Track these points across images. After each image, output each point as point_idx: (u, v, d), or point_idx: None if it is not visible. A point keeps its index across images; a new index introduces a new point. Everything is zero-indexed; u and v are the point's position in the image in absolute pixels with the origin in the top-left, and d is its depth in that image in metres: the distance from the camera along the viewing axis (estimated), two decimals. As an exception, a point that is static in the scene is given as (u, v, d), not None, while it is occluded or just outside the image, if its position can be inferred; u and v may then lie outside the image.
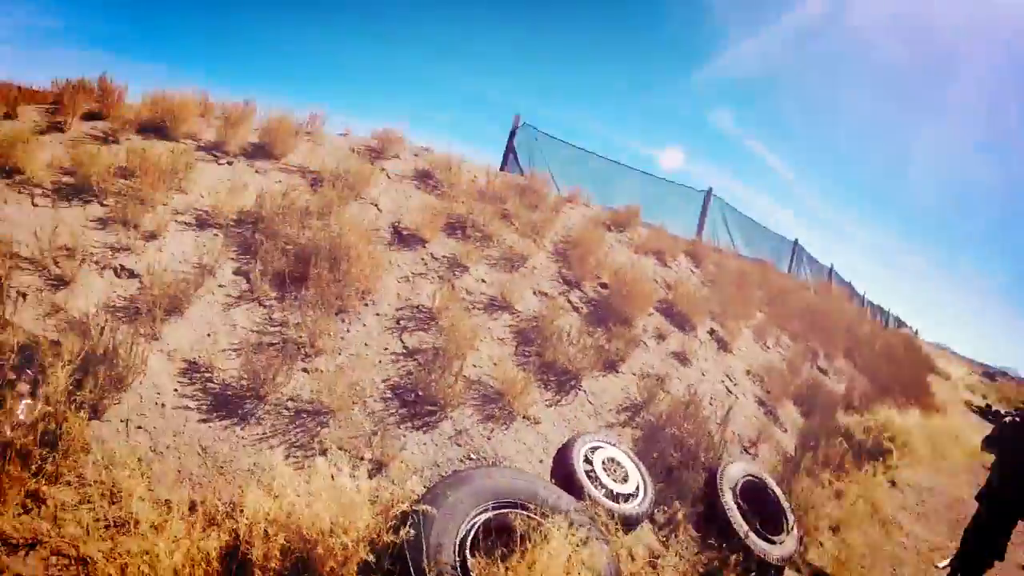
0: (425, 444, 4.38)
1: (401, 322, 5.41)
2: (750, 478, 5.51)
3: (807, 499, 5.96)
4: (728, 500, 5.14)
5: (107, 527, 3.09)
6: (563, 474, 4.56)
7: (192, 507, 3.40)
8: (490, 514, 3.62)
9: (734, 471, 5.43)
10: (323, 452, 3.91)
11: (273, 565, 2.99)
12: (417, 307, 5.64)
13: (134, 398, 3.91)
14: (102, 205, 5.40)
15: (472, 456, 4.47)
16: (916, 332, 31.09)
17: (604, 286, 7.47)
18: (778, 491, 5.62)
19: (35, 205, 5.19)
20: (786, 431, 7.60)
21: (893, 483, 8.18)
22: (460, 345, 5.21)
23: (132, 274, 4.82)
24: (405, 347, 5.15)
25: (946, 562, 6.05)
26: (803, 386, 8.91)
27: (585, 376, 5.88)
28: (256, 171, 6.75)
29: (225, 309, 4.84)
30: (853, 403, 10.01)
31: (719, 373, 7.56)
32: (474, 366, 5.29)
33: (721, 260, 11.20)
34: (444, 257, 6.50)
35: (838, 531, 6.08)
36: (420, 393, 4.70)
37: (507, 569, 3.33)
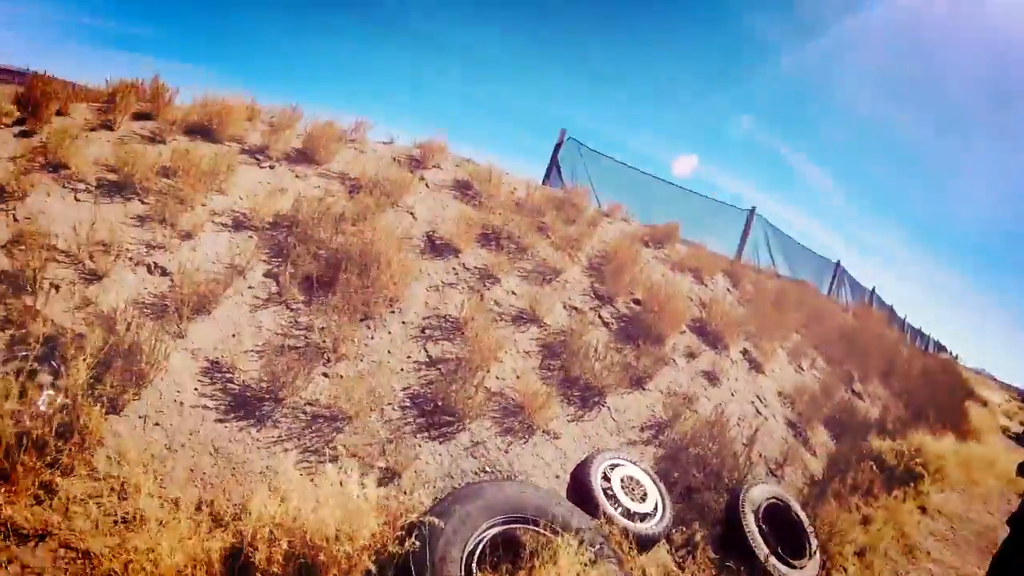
0: (440, 455, 4.35)
1: (426, 331, 5.40)
2: (774, 501, 5.36)
3: (833, 524, 5.78)
4: (749, 522, 5.01)
5: (115, 522, 3.12)
6: (579, 491, 4.49)
7: (200, 507, 3.43)
8: (500, 529, 3.58)
9: (757, 493, 5.29)
10: (335, 458, 3.92)
11: (275, 570, 2.98)
12: (444, 317, 5.62)
13: (154, 395, 3.96)
14: (142, 203, 5.51)
15: (487, 469, 4.42)
16: (956, 357, 30.16)
17: (637, 302, 7.37)
18: (802, 515, 5.46)
19: (77, 200, 5.33)
20: (815, 454, 7.39)
21: (923, 509, 7.89)
22: (484, 356, 5.17)
23: (164, 272, 4.91)
24: (428, 356, 5.14)
25: None
26: (836, 409, 8.67)
27: (610, 392, 5.79)
28: (297, 176, 6.84)
29: (252, 310, 4.89)
30: (887, 428, 9.68)
31: (749, 394, 7.38)
32: (497, 378, 5.24)
33: (759, 280, 10.95)
34: (476, 268, 6.47)
35: (863, 557, 5.87)
36: (439, 403, 4.67)
37: (513, 586, 3.29)
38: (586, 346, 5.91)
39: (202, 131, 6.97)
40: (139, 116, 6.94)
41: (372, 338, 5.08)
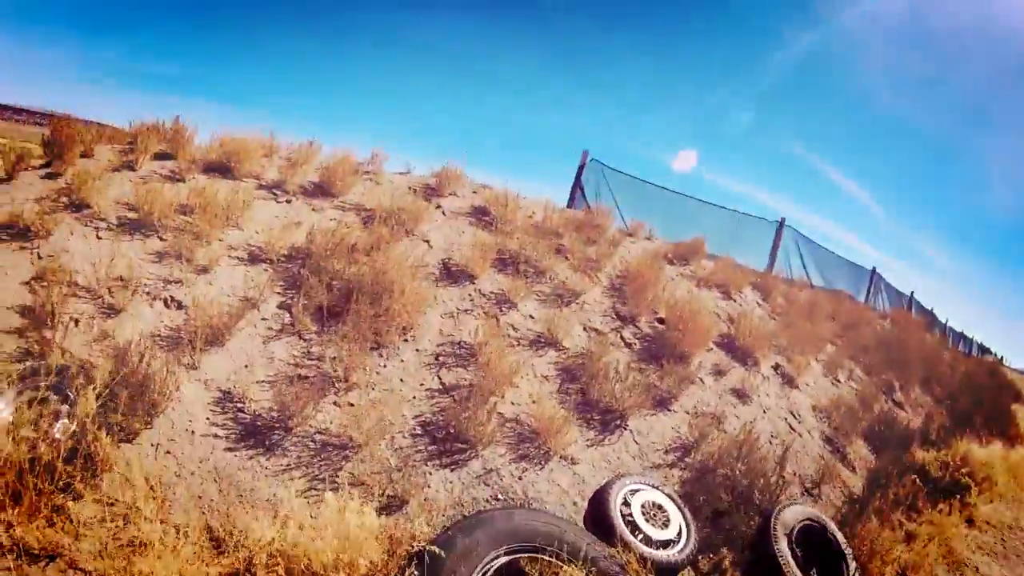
0: (451, 483, 4.28)
1: (440, 358, 5.36)
2: (808, 522, 5.16)
3: (873, 543, 5.57)
4: (782, 547, 4.82)
5: (122, 546, 3.15)
6: (596, 518, 4.36)
7: (205, 533, 3.44)
8: (507, 559, 3.46)
9: (790, 515, 5.10)
10: (339, 487, 3.88)
11: (273, 597, 2.96)
12: (459, 343, 5.58)
13: (166, 424, 4.01)
14: (161, 240, 5.62)
15: (500, 496, 4.33)
16: (1001, 359, 29.16)
17: (661, 321, 7.25)
18: (839, 535, 5.25)
19: (99, 238, 5.46)
20: (854, 470, 7.14)
21: (971, 522, 7.57)
22: (498, 382, 5.11)
23: (180, 305, 4.99)
24: (442, 383, 5.10)
25: None
26: (875, 421, 8.38)
27: (632, 415, 5.67)
28: (313, 209, 6.92)
29: (265, 342, 4.93)
30: (930, 437, 9.31)
31: (782, 410, 7.18)
32: (512, 403, 5.17)
33: (790, 292, 10.72)
34: (492, 293, 6.44)
35: None
36: (451, 430, 4.61)
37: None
38: (606, 368, 5.80)
39: (221, 169, 7.12)
40: (160, 156, 7.14)
41: (384, 366, 5.06)
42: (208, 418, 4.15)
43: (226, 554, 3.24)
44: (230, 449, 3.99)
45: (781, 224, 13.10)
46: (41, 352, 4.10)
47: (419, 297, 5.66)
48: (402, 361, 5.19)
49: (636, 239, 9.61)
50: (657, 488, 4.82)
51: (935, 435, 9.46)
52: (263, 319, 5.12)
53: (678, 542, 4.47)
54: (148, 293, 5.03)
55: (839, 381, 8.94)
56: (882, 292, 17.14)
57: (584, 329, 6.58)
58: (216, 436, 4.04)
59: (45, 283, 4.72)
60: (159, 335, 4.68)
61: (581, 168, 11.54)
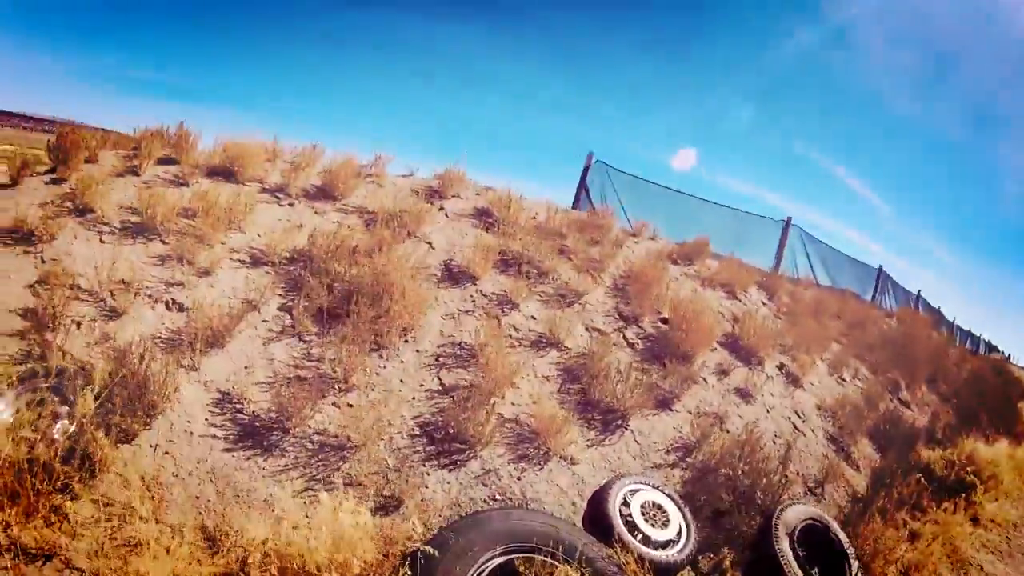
0: (449, 483, 4.28)
1: (440, 359, 5.37)
2: (811, 522, 5.13)
3: (876, 542, 5.54)
4: (784, 546, 4.79)
5: (118, 546, 3.17)
6: (595, 518, 4.34)
7: (201, 533, 3.46)
8: (503, 559, 3.44)
9: (792, 514, 5.07)
10: (333, 487, 3.89)
11: (266, 597, 2.97)
12: (459, 344, 5.59)
13: (165, 425, 4.04)
14: (163, 243, 5.67)
15: (498, 497, 4.32)
16: (1009, 357, 29.07)
17: (664, 321, 7.22)
18: (842, 535, 5.20)
19: (102, 242, 5.51)
20: (858, 469, 7.09)
21: (976, 520, 7.52)
22: (498, 382, 5.11)
23: (181, 308, 5.02)
24: (442, 384, 5.10)
25: None
26: (881, 420, 8.33)
27: (634, 415, 5.64)
28: (315, 212, 6.95)
29: (265, 343, 4.95)
30: (936, 436, 9.27)
31: (786, 409, 7.14)
32: (512, 404, 5.17)
33: (796, 291, 10.66)
34: (494, 294, 6.44)
35: None
36: (450, 431, 4.60)
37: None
38: (608, 368, 5.79)
39: (224, 173, 7.18)
40: (164, 161, 7.20)
41: (384, 367, 5.07)
42: (207, 419, 4.17)
43: (221, 554, 3.26)
44: (228, 450, 4.01)
45: (787, 223, 13.04)
46: (42, 354, 4.13)
47: (420, 298, 5.67)
48: (402, 362, 5.20)
49: (640, 239, 9.58)
50: (657, 488, 4.80)
51: (941, 434, 9.40)
52: (263, 321, 5.15)
53: (678, 542, 4.45)
54: (150, 296, 5.07)
55: (844, 380, 8.89)
56: (889, 291, 17.06)
57: (586, 329, 6.57)
58: (214, 437, 4.06)
59: (48, 286, 4.77)
60: (160, 337, 4.71)
61: (586, 170, 11.56)
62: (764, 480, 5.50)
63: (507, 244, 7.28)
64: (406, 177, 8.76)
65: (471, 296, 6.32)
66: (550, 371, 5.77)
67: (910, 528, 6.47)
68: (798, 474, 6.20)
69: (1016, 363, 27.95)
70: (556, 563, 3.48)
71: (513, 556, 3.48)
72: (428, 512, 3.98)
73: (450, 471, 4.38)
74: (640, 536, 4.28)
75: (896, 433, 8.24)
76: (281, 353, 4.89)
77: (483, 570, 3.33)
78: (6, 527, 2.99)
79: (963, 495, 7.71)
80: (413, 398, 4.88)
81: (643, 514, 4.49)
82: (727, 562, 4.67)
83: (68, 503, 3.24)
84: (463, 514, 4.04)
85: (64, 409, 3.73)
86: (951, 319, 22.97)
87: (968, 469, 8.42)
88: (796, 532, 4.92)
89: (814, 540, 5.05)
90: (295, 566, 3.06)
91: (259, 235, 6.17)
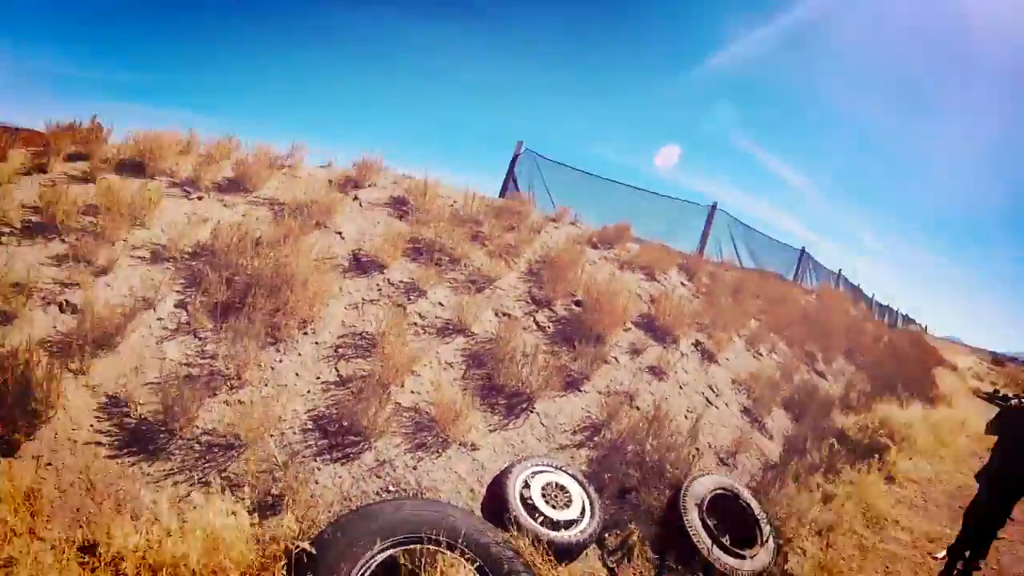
0: (341, 477, 4.31)
1: (340, 350, 5.38)
2: (721, 491, 5.29)
3: (790, 506, 5.76)
4: (692, 517, 4.94)
5: (-6, 566, 3.14)
6: (494, 503, 4.42)
7: (83, 546, 3.43)
8: (393, 551, 3.46)
9: (701, 485, 5.23)
10: (223, 487, 3.90)
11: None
12: (360, 334, 5.60)
13: (49, 434, 3.99)
14: (63, 242, 5.56)
15: (391, 488, 4.36)
16: (925, 328, 30.72)
17: (578, 304, 7.32)
18: (752, 502, 5.39)
19: (1, 243, 5.38)
20: (772, 438, 7.33)
21: (891, 478, 7.87)
22: (398, 370, 5.16)
23: (76, 309, 4.93)
24: (339, 376, 5.12)
25: (943, 553, 6.00)
26: (796, 391, 8.61)
27: (540, 397, 5.73)
28: (225, 205, 6.87)
29: (159, 342, 4.91)
30: (851, 403, 9.72)
31: (700, 385, 7.31)
32: (412, 392, 5.21)
33: (717, 272, 10.87)
34: (402, 282, 6.46)
35: (825, 536, 5.84)
36: (344, 423, 4.64)
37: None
38: (513, 352, 5.87)
39: (134, 167, 7.05)
40: (74, 157, 7.03)
41: (280, 361, 5.08)
42: (92, 425, 4.12)
43: (97, 566, 3.25)
44: (113, 456, 3.97)
45: (713, 208, 13.35)
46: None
47: (322, 289, 5.67)
48: (299, 355, 5.21)
49: (560, 225, 9.66)
50: (560, 469, 4.90)
51: (856, 401, 9.76)
52: (159, 319, 5.10)
53: (580, 521, 4.55)
54: (43, 298, 4.97)
55: (761, 355, 9.12)
56: (811, 271, 17.66)
57: (496, 314, 6.63)
58: (99, 444, 4.01)
59: (-66, 294, 4.67)
60: (51, 341, 4.63)
61: (515, 158, 11.65)
62: (673, 454, 5.65)
63: (420, 232, 7.29)
64: (324, 168, 8.69)
65: (378, 285, 6.33)
66: (455, 357, 5.83)
67: (824, 491, 6.73)
68: (710, 446, 6.38)
69: (933, 334, 29.43)
70: (445, 553, 3.51)
71: (403, 548, 3.50)
72: (317, 508, 3.98)
73: (343, 464, 4.41)
74: (542, 518, 4.36)
75: (811, 402, 8.51)
76: (174, 352, 4.86)
77: (370, 565, 3.35)
78: None
79: (877, 456, 8.04)
80: (308, 391, 4.90)
81: (544, 496, 4.58)
82: (634, 537, 4.80)
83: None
84: (355, 507, 4.05)
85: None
86: (870, 295, 23.97)
87: (882, 432, 8.80)
88: (705, 502, 5.08)
89: (725, 509, 5.22)
90: (168, 574, 3.08)
91: (163, 231, 6.09)
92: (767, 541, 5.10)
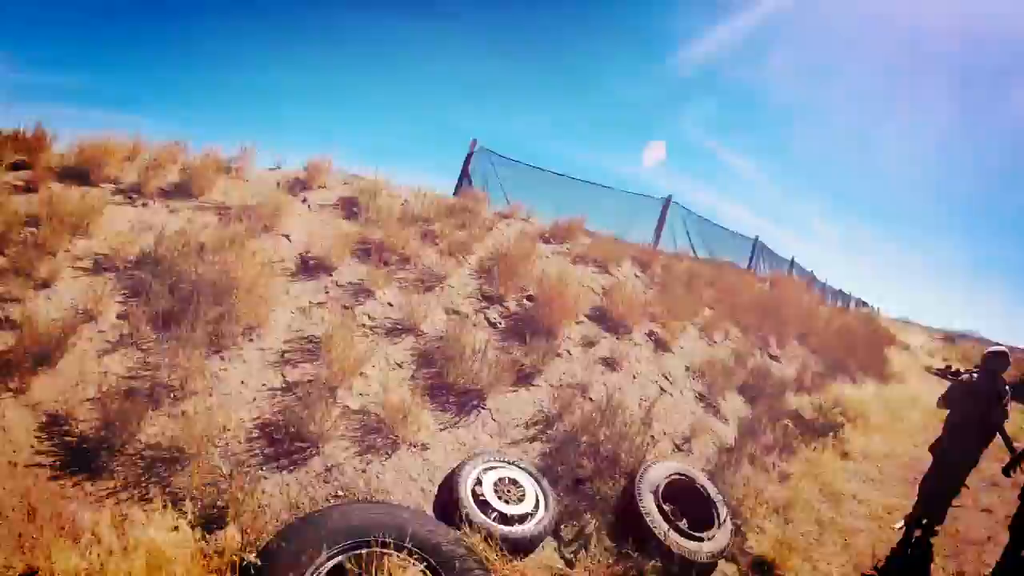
0: (287, 485, 4.30)
1: (286, 355, 5.36)
2: (676, 476, 5.39)
3: (746, 487, 5.89)
4: (647, 503, 5.01)
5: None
6: (446, 502, 4.46)
7: (24, 573, 3.36)
8: (342, 557, 3.47)
9: (656, 472, 5.31)
10: (165, 502, 3.86)
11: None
12: (307, 338, 5.58)
13: (-12, 458, 3.92)
14: (3, 255, 5.45)
15: (340, 493, 4.37)
16: (878, 310, 31.91)
17: (530, 298, 7.35)
18: (709, 485, 5.51)
19: (-65, 262, 5.27)
20: (727, 422, 7.46)
21: (846, 455, 8.10)
22: (346, 373, 5.16)
23: (15, 325, 4.84)
24: (285, 381, 5.11)
25: (901, 523, 6.22)
26: (750, 375, 8.78)
27: (491, 393, 5.77)
28: (171, 211, 6.79)
29: (100, 356, 4.84)
30: (804, 384, 9.95)
31: (654, 374, 7.40)
32: (360, 394, 5.22)
33: (671, 263, 10.99)
34: (350, 284, 6.44)
35: (783, 514, 5.99)
36: (291, 430, 4.63)
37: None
38: (463, 349, 5.89)
39: (78, 175, 6.92)
40: (17, 166, 6.88)
41: (225, 369, 5.04)
42: (33, 446, 4.04)
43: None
44: (54, 478, 3.91)
45: (667, 201, 13.49)
46: None
47: (268, 294, 5.65)
48: (245, 362, 5.18)
49: (513, 221, 9.69)
50: (512, 464, 4.95)
51: (810, 382, 9.95)
52: (100, 332, 5.03)
53: (535, 515, 4.60)
54: (-20, 315, 4.89)
55: (715, 342, 9.25)
56: (764, 259, 17.96)
57: (447, 312, 6.65)
58: (40, 465, 3.94)
59: None
60: (-14, 360, 4.56)
61: (469, 156, 11.65)
62: (628, 443, 5.71)
63: (370, 232, 7.27)
64: (273, 170, 8.61)
65: (325, 288, 6.31)
66: (404, 357, 5.85)
67: (780, 470, 6.88)
68: (665, 433, 6.46)
69: (885, 315, 30.35)
70: (393, 554, 3.51)
71: (352, 552, 3.50)
72: (264, 518, 3.97)
73: (289, 472, 4.41)
74: (495, 514, 4.40)
75: (765, 385, 8.66)
76: (116, 365, 4.80)
77: (320, 571, 3.35)
78: None
79: (833, 434, 8.25)
80: (254, 399, 4.88)
81: (497, 491, 4.62)
82: (590, 527, 4.86)
83: None
84: (302, 515, 4.02)
85: None
86: (823, 281, 24.52)
87: (836, 411, 9.01)
88: (661, 488, 5.16)
89: (682, 494, 5.31)
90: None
91: (106, 239, 6.00)
92: (724, 522, 5.20)
